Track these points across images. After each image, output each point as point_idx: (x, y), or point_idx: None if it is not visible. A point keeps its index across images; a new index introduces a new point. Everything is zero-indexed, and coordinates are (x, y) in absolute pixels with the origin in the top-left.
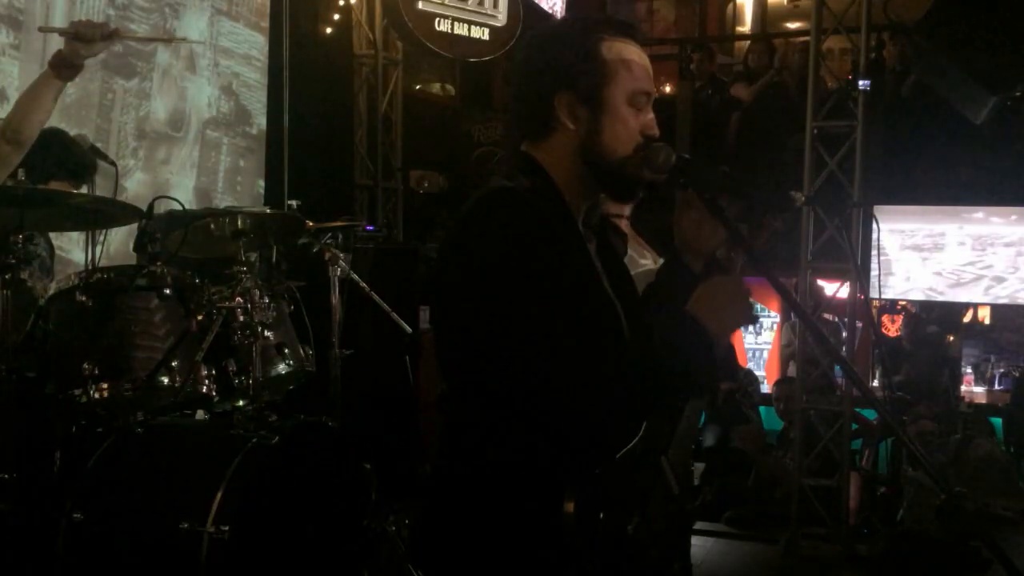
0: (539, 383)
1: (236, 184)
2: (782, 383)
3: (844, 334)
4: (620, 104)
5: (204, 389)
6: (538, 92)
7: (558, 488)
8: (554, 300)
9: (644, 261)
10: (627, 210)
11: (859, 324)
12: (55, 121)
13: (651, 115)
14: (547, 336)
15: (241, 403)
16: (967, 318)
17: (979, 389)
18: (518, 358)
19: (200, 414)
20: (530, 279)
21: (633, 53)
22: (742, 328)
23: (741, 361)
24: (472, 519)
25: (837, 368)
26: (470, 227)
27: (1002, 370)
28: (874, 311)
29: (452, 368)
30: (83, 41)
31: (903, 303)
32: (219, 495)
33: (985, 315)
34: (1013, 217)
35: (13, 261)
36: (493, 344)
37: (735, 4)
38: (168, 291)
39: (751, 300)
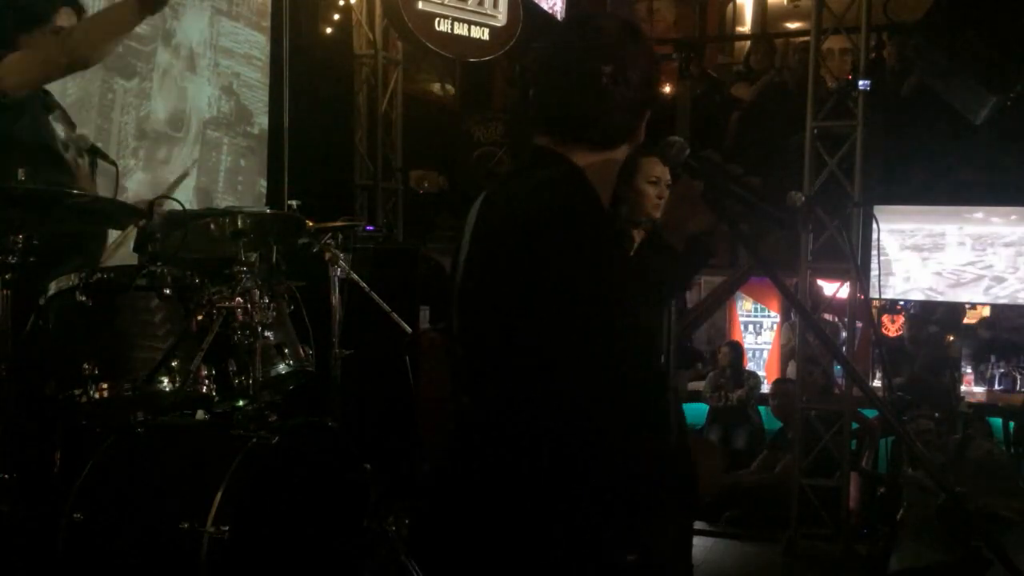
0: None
1: (237, 184)
2: (779, 383)
3: (844, 334)
4: None
5: (204, 389)
6: (627, 103)
7: (593, 505)
8: (617, 323)
9: None
10: (649, 219)
11: (859, 324)
12: None
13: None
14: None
15: (241, 403)
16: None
17: (979, 389)
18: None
19: (200, 414)
20: (607, 301)
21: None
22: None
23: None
24: (492, 527)
25: (837, 368)
26: (559, 245)
27: (1002, 370)
28: (874, 311)
29: (492, 368)
30: None
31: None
32: (219, 495)
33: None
34: (1013, 217)
35: (13, 261)
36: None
37: (735, 4)
38: (168, 291)
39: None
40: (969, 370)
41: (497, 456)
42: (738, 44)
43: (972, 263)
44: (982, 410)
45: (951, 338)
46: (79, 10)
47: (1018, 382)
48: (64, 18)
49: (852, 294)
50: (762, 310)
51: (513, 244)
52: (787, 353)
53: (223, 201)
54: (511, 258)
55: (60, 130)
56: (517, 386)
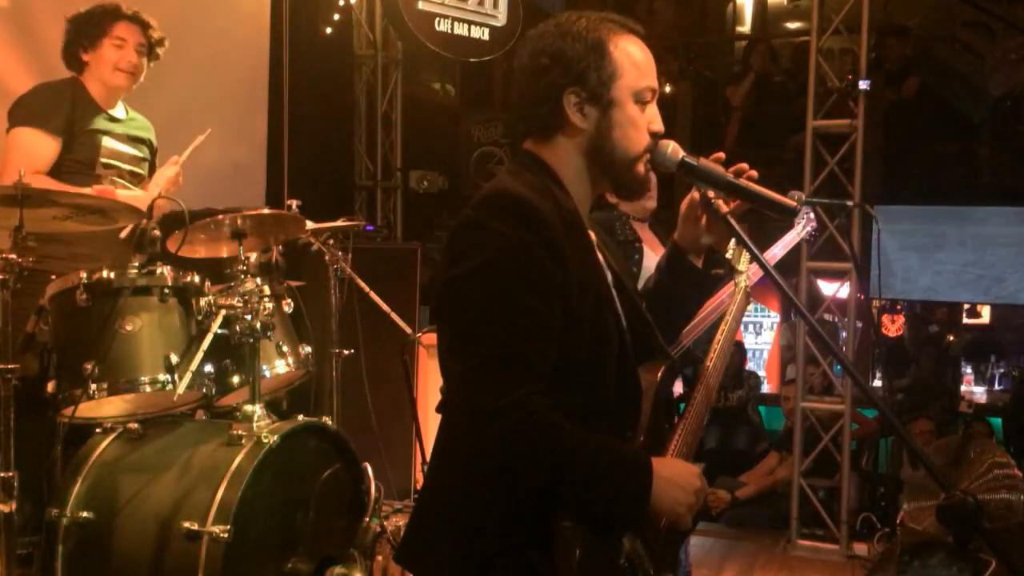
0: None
1: (236, 184)
2: (791, 383)
3: (844, 334)
4: (627, 101)
5: (204, 389)
6: (546, 90)
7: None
8: (536, 312)
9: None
10: (649, 212)
11: (859, 324)
12: None
13: (656, 110)
14: (513, 348)
15: (241, 403)
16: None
17: (979, 389)
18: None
19: (200, 414)
20: (517, 287)
21: (637, 48)
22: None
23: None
24: (459, 528)
25: (837, 368)
26: (467, 227)
27: (1002, 370)
28: (874, 311)
29: (444, 369)
30: None
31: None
32: (219, 495)
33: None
34: (1013, 217)
35: (14, 259)
36: (466, 347)
37: (735, 4)
38: (168, 291)
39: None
40: (969, 370)
41: (440, 441)
42: (738, 44)
43: (972, 263)
44: (982, 410)
45: (951, 338)
46: (139, 23)
47: None
48: (124, 30)
49: (852, 294)
50: (762, 310)
51: (443, 251)
52: (787, 357)
53: (223, 201)
54: (439, 264)
55: (108, 150)
56: (444, 375)
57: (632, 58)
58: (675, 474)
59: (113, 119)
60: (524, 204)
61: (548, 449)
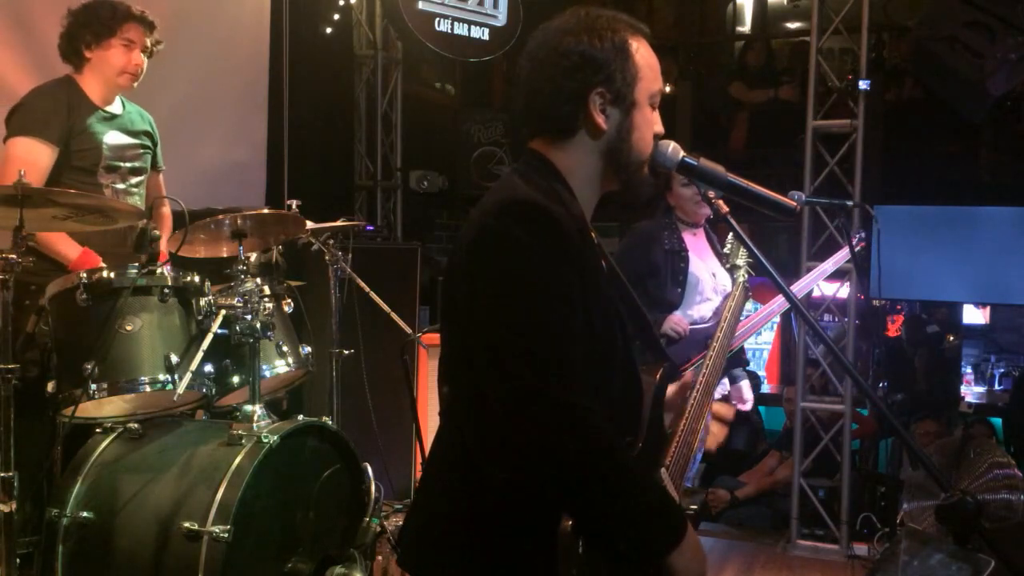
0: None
1: (236, 184)
2: (792, 385)
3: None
4: (645, 104)
5: (204, 389)
6: (573, 89)
7: (553, 509)
8: (568, 321)
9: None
10: (704, 218)
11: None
12: None
13: (657, 113)
14: (541, 357)
15: (241, 403)
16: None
17: (979, 389)
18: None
19: (200, 414)
20: (551, 297)
21: (649, 51)
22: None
23: None
24: (464, 531)
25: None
26: (491, 237)
27: (1002, 370)
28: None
29: (448, 376)
30: None
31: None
32: (219, 495)
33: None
34: (1013, 217)
35: (14, 259)
36: (493, 357)
37: (735, 4)
38: (168, 291)
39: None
40: (969, 370)
41: (442, 444)
42: (738, 44)
43: (972, 263)
44: (982, 410)
45: (951, 338)
46: (147, 24)
47: None
48: (133, 31)
49: (852, 294)
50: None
51: (460, 239)
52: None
53: (223, 201)
54: (456, 253)
55: (110, 151)
56: (451, 379)
57: (648, 60)
58: (696, 546)
59: (111, 116)
60: (546, 213)
61: (600, 453)
